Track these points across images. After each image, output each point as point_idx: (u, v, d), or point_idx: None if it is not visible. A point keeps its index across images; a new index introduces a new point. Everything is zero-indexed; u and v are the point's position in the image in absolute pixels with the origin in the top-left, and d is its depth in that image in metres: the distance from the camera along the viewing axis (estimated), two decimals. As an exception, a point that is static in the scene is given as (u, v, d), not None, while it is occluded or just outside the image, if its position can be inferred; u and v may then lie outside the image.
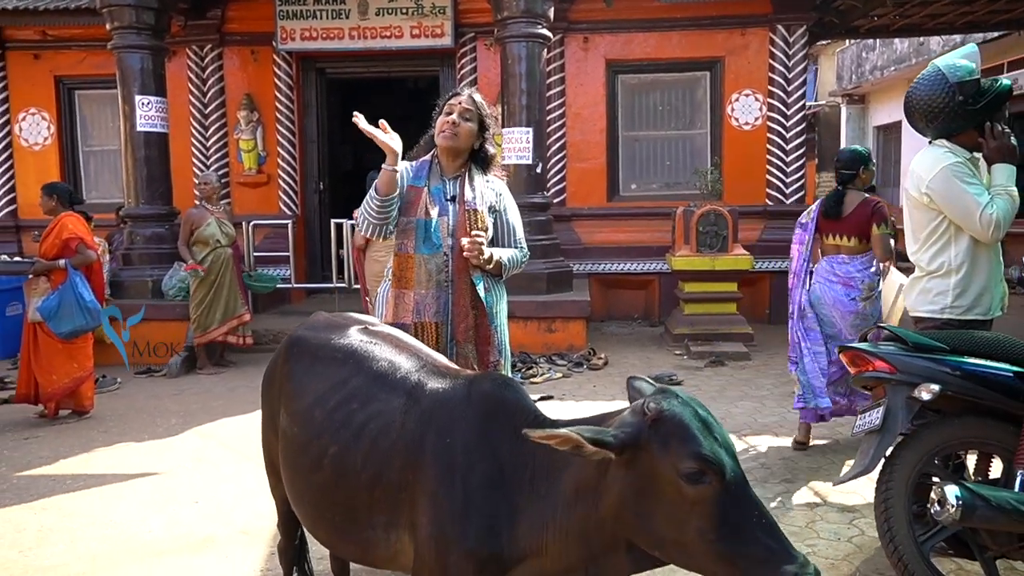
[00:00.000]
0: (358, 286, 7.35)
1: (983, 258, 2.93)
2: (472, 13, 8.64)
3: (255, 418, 5.37)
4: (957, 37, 14.10)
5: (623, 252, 8.78)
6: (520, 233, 3.09)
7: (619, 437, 1.54)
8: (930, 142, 3.02)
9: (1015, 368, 2.52)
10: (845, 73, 19.60)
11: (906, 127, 17.44)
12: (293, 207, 9.29)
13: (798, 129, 8.83)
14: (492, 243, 2.97)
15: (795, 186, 8.87)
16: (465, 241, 2.80)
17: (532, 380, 6.28)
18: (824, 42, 16.53)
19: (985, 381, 2.53)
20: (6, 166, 9.69)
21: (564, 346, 7.15)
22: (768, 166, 8.86)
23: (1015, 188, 2.87)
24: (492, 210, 2.96)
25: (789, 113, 8.78)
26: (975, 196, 2.84)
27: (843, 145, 20.51)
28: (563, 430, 1.55)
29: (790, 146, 8.82)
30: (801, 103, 8.85)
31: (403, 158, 2.93)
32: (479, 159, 2.98)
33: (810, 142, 21.48)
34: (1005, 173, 2.89)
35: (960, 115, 2.87)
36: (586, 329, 7.31)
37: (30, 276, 5.69)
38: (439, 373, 2.04)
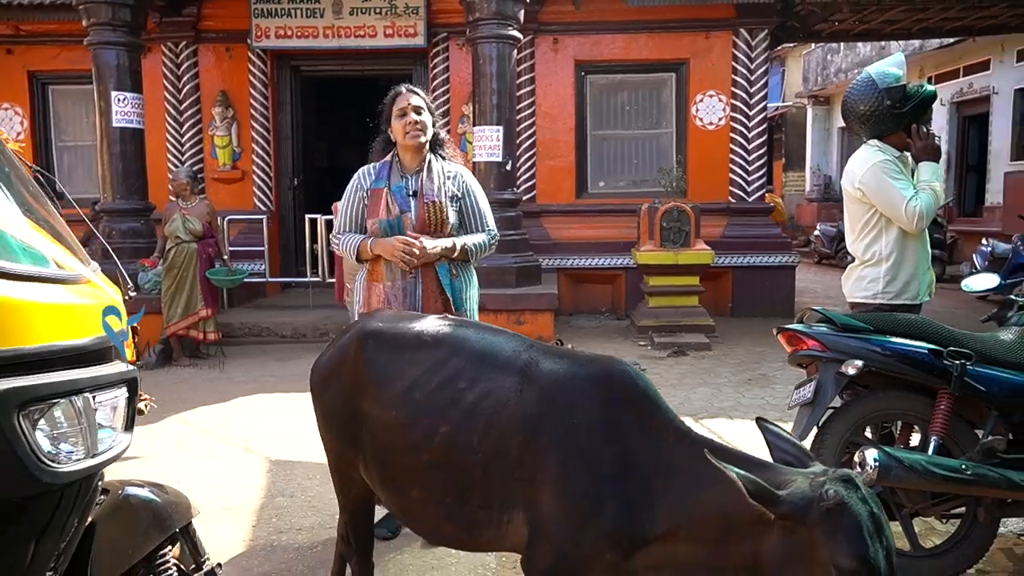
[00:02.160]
0: (332, 280, 7.53)
1: (911, 248, 3.20)
2: (444, 14, 8.84)
3: (232, 406, 5.52)
4: (916, 42, 14.61)
5: (591, 247, 9.03)
6: (489, 216, 3.25)
7: (787, 505, 1.55)
8: (865, 142, 3.30)
9: (930, 346, 2.79)
10: (811, 75, 20.10)
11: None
12: (268, 203, 9.41)
13: (759, 129, 9.16)
14: (461, 227, 3.18)
15: (756, 184, 9.20)
16: (398, 246, 2.97)
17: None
18: (789, 45, 16.97)
19: (904, 358, 2.80)
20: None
21: (533, 337, 7.35)
22: (731, 165, 9.18)
23: (938, 183, 3.15)
24: (455, 198, 3.15)
25: (751, 114, 9.11)
26: (901, 191, 3.11)
27: (809, 146, 21.06)
28: (733, 472, 1.57)
29: (752, 146, 9.15)
30: (763, 104, 9.19)
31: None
32: (434, 146, 3.19)
33: (777, 142, 22.03)
34: (929, 170, 3.16)
35: (888, 118, 3.14)
36: (554, 321, 7.56)
37: None
38: (550, 353, 2.04)
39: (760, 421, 1.93)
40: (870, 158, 3.20)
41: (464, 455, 1.95)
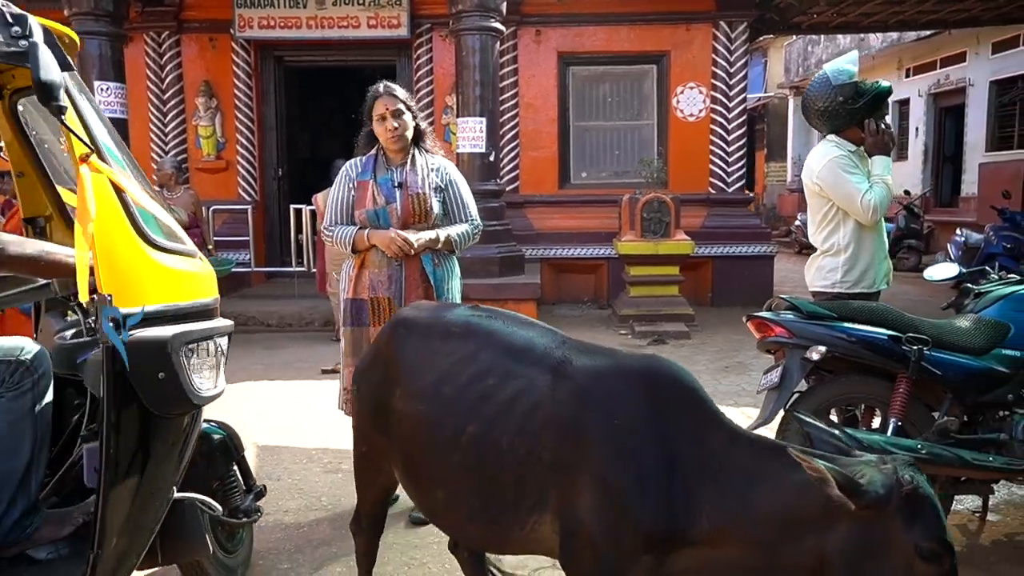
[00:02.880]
0: (332, 274, 7.59)
1: (868, 239, 3.34)
2: (428, 5, 8.89)
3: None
4: (894, 34, 14.81)
5: (574, 238, 9.15)
6: (472, 207, 3.37)
7: (870, 494, 1.53)
8: (823, 137, 3.43)
9: (890, 332, 2.94)
10: (792, 66, 20.29)
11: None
12: (252, 193, 9.45)
13: (739, 121, 9.30)
14: (444, 218, 3.29)
15: (736, 175, 9.35)
16: (396, 239, 3.09)
17: (485, 358, 6.63)
18: (769, 37, 17.12)
19: (865, 343, 2.94)
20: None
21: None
22: (711, 156, 9.32)
23: (889, 176, 3.29)
24: (439, 189, 3.26)
25: (731, 106, 9.24)
26: (856, 185, 3.23)
27: (791, 137, 21.29)
28: (819, 463, 1.55)
29: (731, 137, 9.29)
30: (742, 96, 9.33)
31: (343, 157, 3.26)
32: (417, 139, 3.29)
33: (759, 133, 22.24)
34: (881, 164, 3.29)
35: (842, 113, 3.27)
36: (537, 310, 7.67)
37: None
38: (585, 350, 1.97)
39: (797, 415, 1.94)
40: (827, 153, 3.32)
41: (493, 456, 1.87)
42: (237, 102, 9.30)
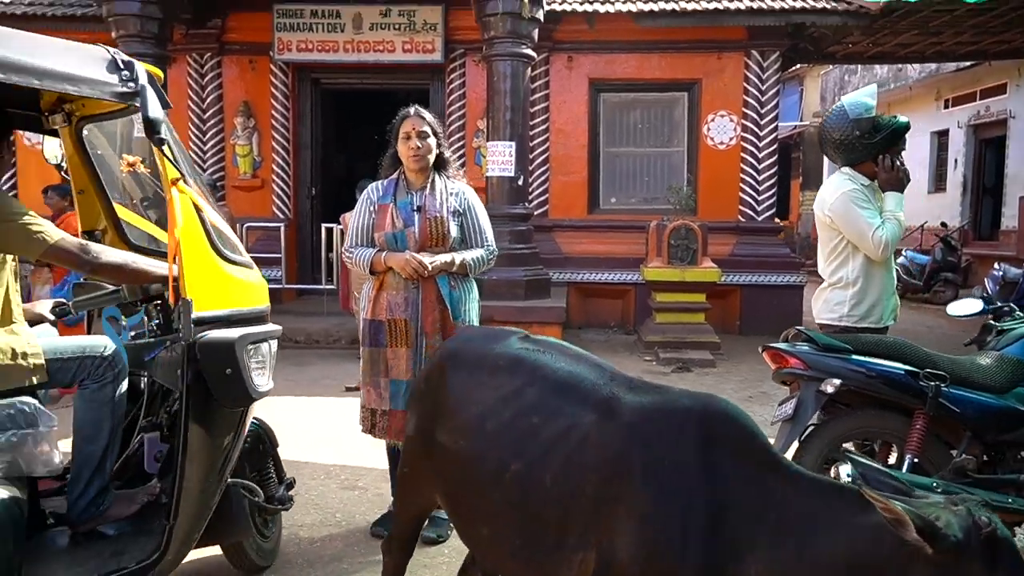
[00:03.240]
0: (356, 294, 7.70)
1: (877, 274, 3.28)
2: (462, 30, 9.05)
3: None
4: (932, 65, 14.66)
5: (601, 263, 9.16)
6: (488, 232, 3.42)
7: (950, 538, 1.44)
8: (838, 169, 3.41)
9: (907, 367, 2.91)
10: (828, 95, 20.15)
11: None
12: (286, 211, 9.64)
13: (770, 149, 9.26)
14: (462, 242, 3.35)
15: (766, 204, 9.30)
16: (411, 262, 3.16)
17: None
18: (804, 65, 17.06)
19: (881, 378, 2.91)
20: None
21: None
22: (741, 184, 9.28)
23: (901, 213, 3.24)
24: (457, 213, 3.32)
25: (762, 134, 9.22)
26: (868, 220, 3.19)
27: (826, 165, 21.08)
28: (895, 504, 1.46)
29: (762, 165, 9.26)
30: (774, 125, 9.30)
31: (370, 177, 3.35)
32: (438, 165, 3.36)
33: (795, 161, 22.07)
34: (893, 200, 3.24)
35: (858, 147, 3.24)
36: (561, 334, 7.67)
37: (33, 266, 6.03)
38: (634, 386, 1.90)
39: (848, 454, 1.89)
40: (840, 186, 3.28)
41: (537, 495, 1.83)
42: (274, 122, 9.52)
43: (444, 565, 3.17)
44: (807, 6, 8.64)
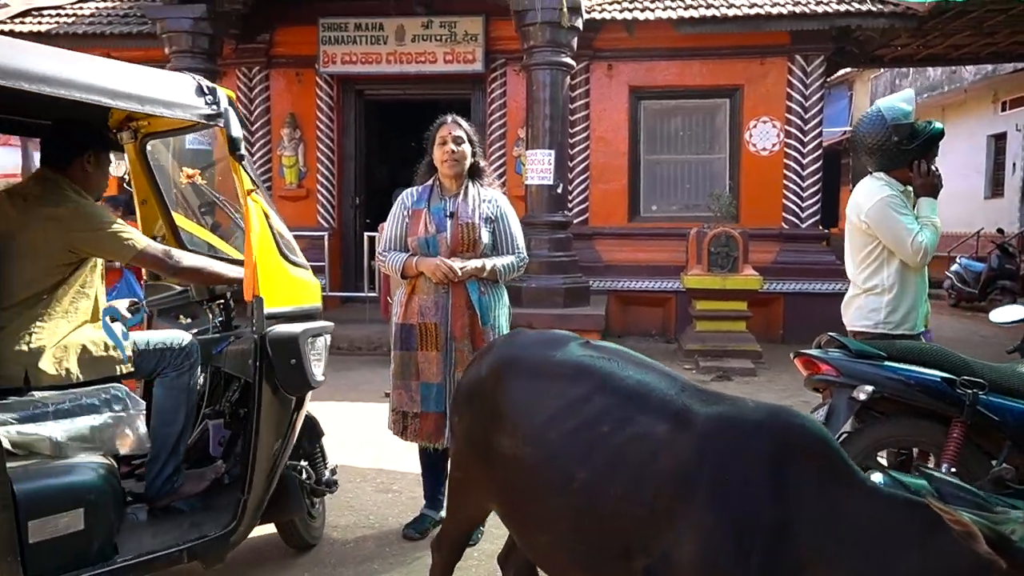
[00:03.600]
0: (390, 299, 7.84)
1: (912, 280, 3.21)
2: (502, 40, 9.13)
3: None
4: (988, 66, 14.24)
5: (642, 270, 9.12)
6: (520, 240, 3.47)
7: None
8: (870, 173, 3.34)
9: (943, 374, 2.84)
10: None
11: (940, 153, 17.47)
12: (330, 220, 9.84)
13: (814, 155, 9.11)
14: (493, 249, 3.40)
15: (810, 211, 9.14)
16: (440, 266, 3.23)
17: (544, 387, 6.68)
18: (852, 70, 16.73)
19: (916, 385, 2.85)
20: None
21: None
22: (784, 191, 9.15)
23: (937, 219, 3.18)
24: (489, 220, 3.37)
25: (806, 140, 9.07)
26: (908, 226, 3.12)
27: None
28: (965, 516, 1.44)
29: (806, 171, 9.11)
30: (818, 130, 9.14)
31: (405, 184, 3.46)
32: (472, 172, 3.41)
33: (844, 167, 21.63)
34: (929, 206, 3.18)
35: (895, 153, 3.17)
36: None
37: None
38: (707, 397, 1.86)
39: (921, 468, 1.84)
40: (876, 192, 3.21)
41: (604, 505, 1.81)
42: (319, 133, 9.74)
43: (474, 568, 3.20)
44: (851, 9, 8.49)
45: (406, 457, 4.47)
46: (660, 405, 1.86)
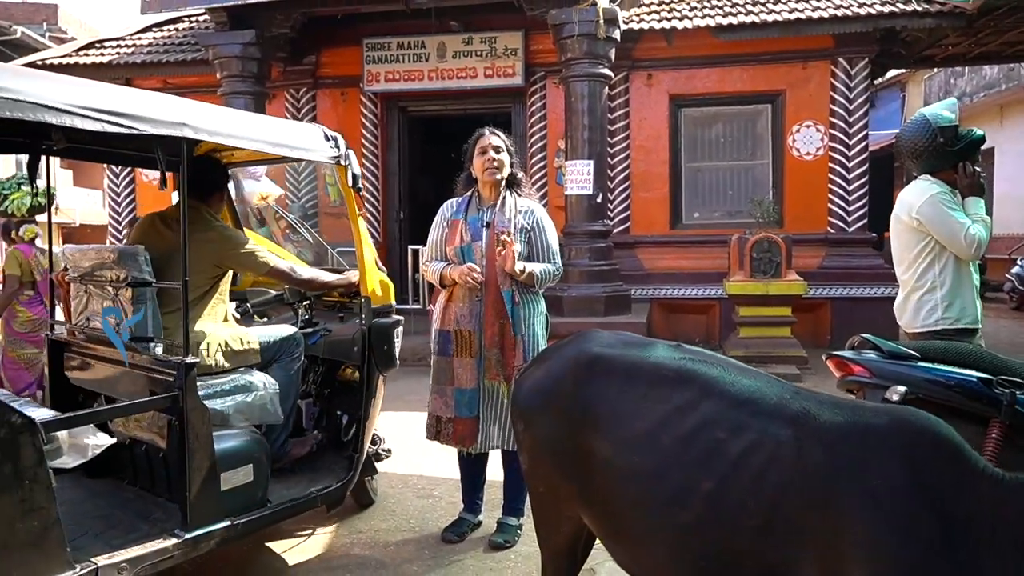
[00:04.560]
0: (431, 307, 7.99)
1: (965, 274, 3.29)
2: (541, 54, 9.25)
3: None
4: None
5: (685, 278, 9.08)
6: (555, 249, 3.53)
7: None
8: (916, 178, 3.39)
9: (979, 374, 2.80)
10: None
11: (999, 153, 16.97)
12: (375, 234, 10.06)
13: (860, 158, 8.96)
14: (528, 258, 3.47)
15: (857, 214, 8.99)
16: (500, 250, 3.31)
17: (586, 395, 6.71)
18: (902, 72, 16.34)
19: (951, 385, 2.82)
20: (129, 199, 10.92)
21: (621, 366, 7.51)
22: (830, 195, 9.01)
23: (986, 216, 3.28)
24: (525, 230, 3.45)
25: (851, 143, 8.94)
26: (959, 219, 3.21)
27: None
28: None
29: (852, 175, 8.96)
30: (864, 132, 8.99)
31: (448, 198, 3.59)
32: (510, 183, 3.50)
33: (897, 170, 21.13)
34: (975, 204, 3.29)
35: (941, 155, 3.28)
36: (643, 350, 7.66)
37: None
38: (825, 401, 1.78)
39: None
40: (927, 190, 3.30)
41: (729, 517, 1.72)
42: (364, 150, 9.98)
43: (510, 570, 3.26)
44: (896, 10, 8.35)
45: (446, 464, 4.55)
46: (775, 411, 1.76)
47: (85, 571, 2.32)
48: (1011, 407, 2.72)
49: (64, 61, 10.01)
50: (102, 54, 10.19)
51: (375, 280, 3.51)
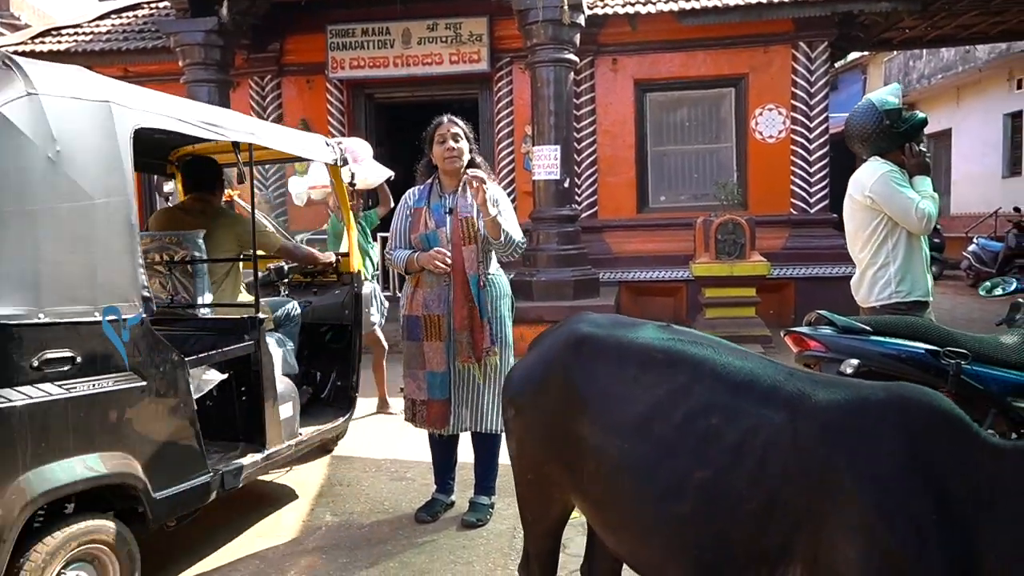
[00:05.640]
0: (400, 294, 8.02)
1: (916, 249, 3.44)
2: (507, 39, 9.26)
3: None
4: (1003, 45, 14.11)
5: (652, 260, 9.20)
6: (514, 223, 3.52)
7: None
8: (865, 160, 3.52)
9: (927, 346, 2.93)
10: (892, 81, 19.56)
11: (955, 134, 17.36)
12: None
13: (821, 140, 9.14)
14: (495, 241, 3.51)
15: (819, 196, 9.18)
16: (434, 256, 3.37)
17: (556, 378, 6.81)
18: (862, 54, 16.62)
19: (901, 357, 2.94)
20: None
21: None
22: (792, 177, 9.19)
23: (934, 192, 3.43)
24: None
25: (812, 126, 9.11)
26: (909, 196, 3.36)
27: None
28: None
29: (813, 157, 9.14)
30: (824, 115, 9.17)
31: (412, 182, 3.61)
32: (470, 168, 3.54)
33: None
34: (924, 182, 3.44)
35: (888, 136, 3.43)
36: (612, 332, 7.77)
37: None
38: (821, 382, 1.75)
39: None
40: (877, 169, 3.44)
41: (726, 505, 1.67)
42: (331, 137, 9.91)
43: (482, 547, 3.34)
44: (854, -6, 8.51)
45: (418, 447, 4.61)
46: (770, 392, 1.72)
47: (214, 474, 3.05)
48: (957, 377, 2.85)
49: (20, 49, 9.77)
50: (59, 42, 9.98)
51: (359, 259, 4.48)
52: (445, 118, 3.59)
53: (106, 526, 2.59)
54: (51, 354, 2.38)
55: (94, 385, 2.51)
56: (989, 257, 12.67)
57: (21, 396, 2.29)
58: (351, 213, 4.44)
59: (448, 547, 3.35)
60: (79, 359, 2.46)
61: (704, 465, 1.71)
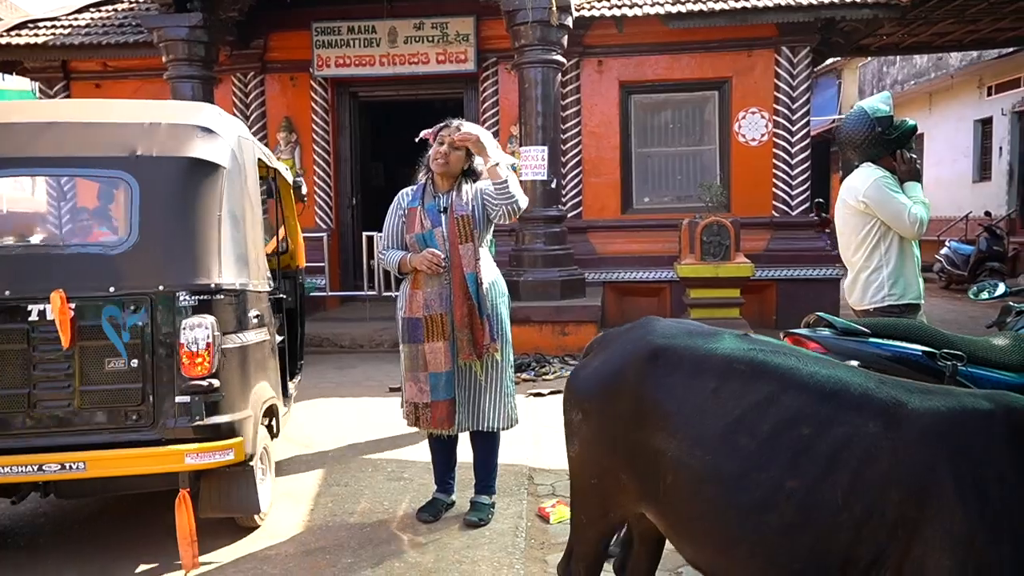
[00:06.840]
0: (388, 293, 8.02)
1: (908, 253, 3.54)
2: (494, 39, 9.28)
3: (295, 408, 5.99)
4: (974, 52, 14.44)
5: (636, 261, 9.28)
6: (515, 181, 3.47)
7: None
8: (858, 166, 3.63)
9: (924, 348, 3.01)
10: (867, 87, 19.93)
11: (928, 139, 17.74)
12: (328, 221, 9.98)
13: (803, 144, 9.29)
14: (489, 224, 3.56)
15: (800, 198, 9.32)
16: (426, 256, 3.38)
17: (544, 377, 6.85)
18: (840, 59, 16.89)
19: (899, 359, 3.02)
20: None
21: (576, 348, 7.67)
22: (774, 179, 9.32)
23: (925, 198, 3.53)
24: (479, 205, 3.51)
25: (794, 129, 9.25)
26: (902, 201, 3.47)
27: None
28: None
29: (795, 160, 9.28)
30: (806, 120, 9.32)
31: (402, 184, 3.62)
32: (469, 175, 3.56)
33: (834, 155, 21.86)
34: (915, 188, 3.55)
35: (879, 143, 3.53)
36: (597, 332, 7.83)
37: None
38: (915, 389, 1.73)
39: None
40: (870, 175, 3.54)
41: (822, 516, 1.65)
42: (315, 136, 9.88)
43: (486, 546, 3.36)
44: (836, 1, 8.65)
45: (414, 447, 4.64)
46: (862, 401, 1.70)
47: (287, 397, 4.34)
48: (953, 378, 2.93)
49: (-5, 42, 9.59)
50: (36, 34, 9.78)
51: (303, 255, 5.27)
52: (454, 123, 3.50)
53: (266, 434, 3.71)
54: (252, 312, 3.53)
55: (263, 334, 3.68)
56: (961, 260, 12.96)
57: (246, 339, 3.43)
58: None
59: (452, 547, 3.37)
60: (256, 318, 3.59)
61: (796, 475, 1.69)
